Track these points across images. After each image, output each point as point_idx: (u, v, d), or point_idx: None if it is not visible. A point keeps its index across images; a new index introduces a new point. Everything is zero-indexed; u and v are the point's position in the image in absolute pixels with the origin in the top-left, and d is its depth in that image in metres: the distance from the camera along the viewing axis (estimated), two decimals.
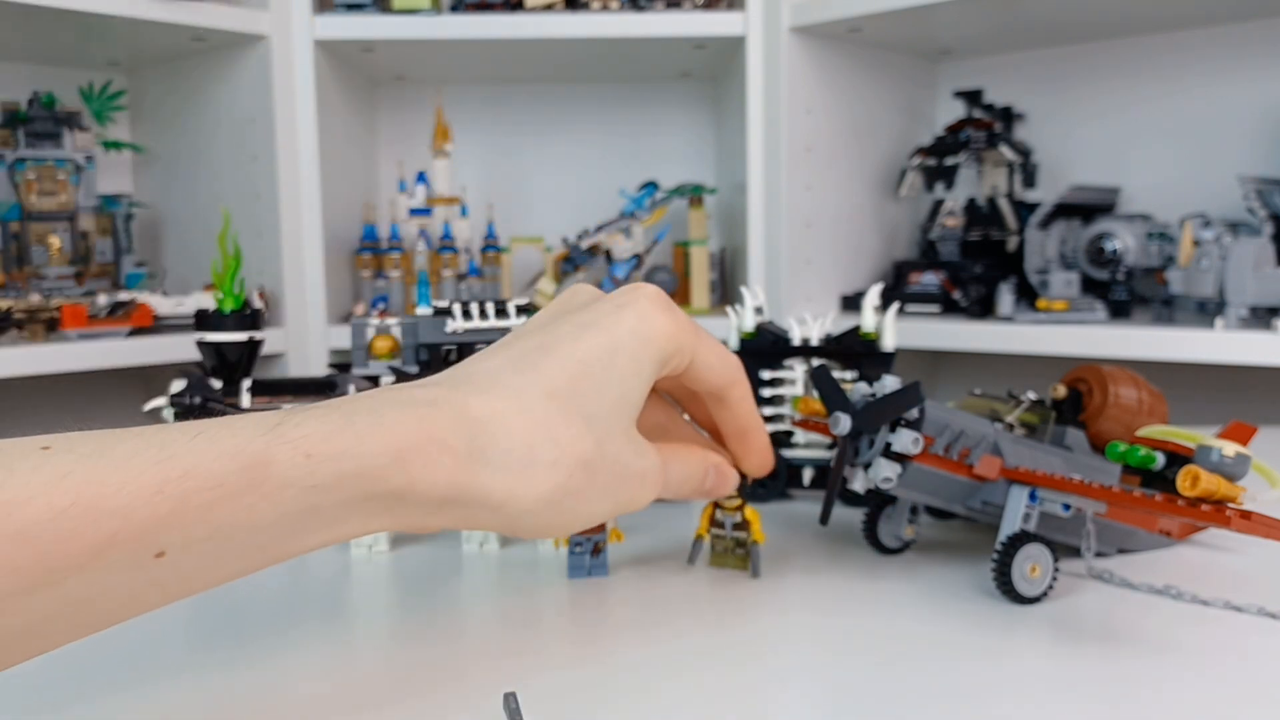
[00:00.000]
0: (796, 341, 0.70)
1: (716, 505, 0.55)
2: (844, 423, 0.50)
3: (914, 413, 0.50)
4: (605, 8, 1.48)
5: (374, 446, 0.33)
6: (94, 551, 0.28)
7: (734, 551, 0.55)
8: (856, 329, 0.69)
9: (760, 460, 0.47)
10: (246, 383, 0.67)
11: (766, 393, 0.71)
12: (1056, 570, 0.49)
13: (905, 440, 0.49)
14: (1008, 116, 1.61)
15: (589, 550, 0.54)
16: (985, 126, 1.54)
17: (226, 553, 0.31)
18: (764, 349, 0.71)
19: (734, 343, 0.72)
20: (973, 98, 1.59)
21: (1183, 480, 0.42)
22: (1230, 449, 0.48)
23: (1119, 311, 1.38)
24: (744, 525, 0.55)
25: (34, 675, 0.41)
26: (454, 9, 1.49)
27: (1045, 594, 0.49)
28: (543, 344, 0.39)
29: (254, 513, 0.31)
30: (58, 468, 0.29)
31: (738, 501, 0.55)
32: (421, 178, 1.56)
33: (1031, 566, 0.49)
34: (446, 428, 0.35)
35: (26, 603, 0.28)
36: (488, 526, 0.37)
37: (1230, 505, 0.42)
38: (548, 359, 0.38)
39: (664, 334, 0.40)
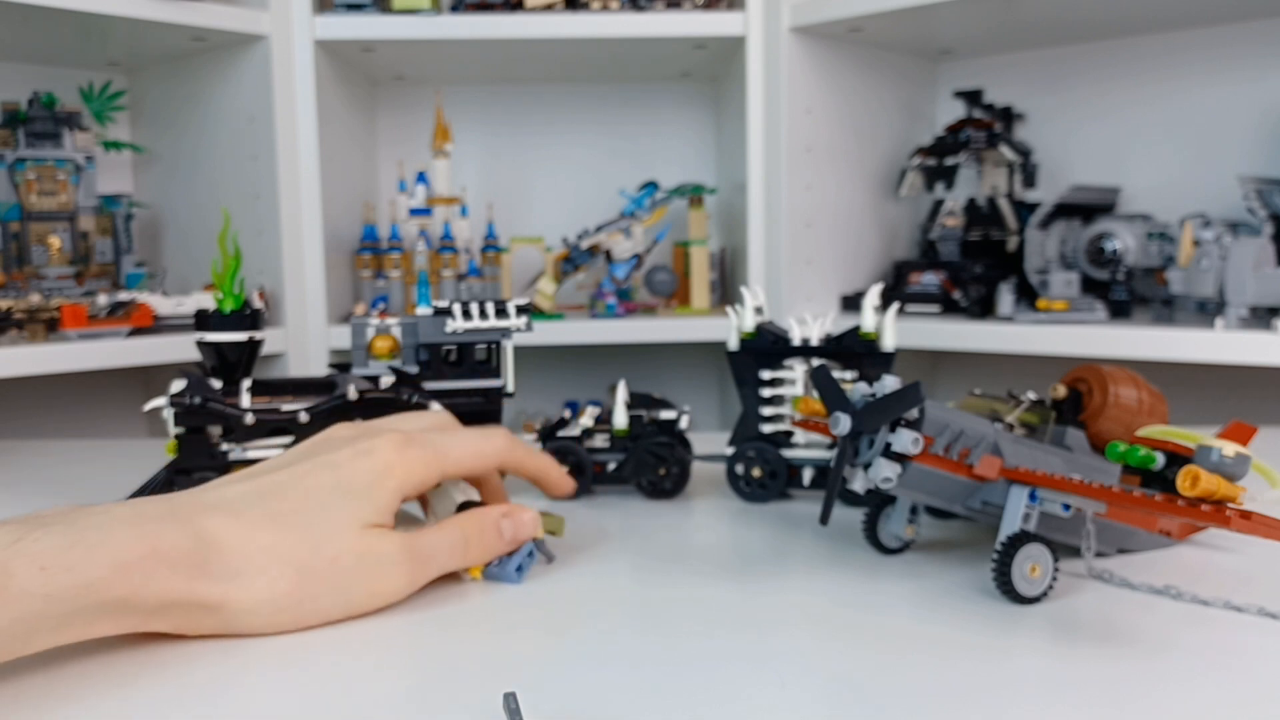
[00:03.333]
0: (796, 341, 0.70)
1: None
2: (844, 423, 0.50)
3: (914, 413, 0.50)
4: (605, 8, 1.48)
5: (99, 559, 0.39)
6: None
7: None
8: (856, 329, 0.69)
9: (562, 486, 0.60)
10: (246, 383, 0.67)
11: (766, 393, 0.71)
12: (1056, 570, 0.49)
13: (905, 440, 0.49)
14: (1008, 116, 1.61)
15: (515, 558, 0.54)
16: (985, 126, 1.54)
17: None
18: (764, 349, 0.71)
19: (734, 343, 0.72)
20: (973, 98, 1.59)
21: (1183, 480, 0.42)
22: (1230, 449, 0.48)
23: (1119, 311, 1.38)
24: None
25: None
26: (454, 9, 1.49)
27: (1045, 594, 0.49)
28: (280, 482, 0.47)
29: None
30: None
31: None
32: (421, 178, 1.56)
33: (1031, 566, 0.49)
34: (169, 542, 0.42)
35: None
36: (211, 628, 0.43)
37: (1230, 505, 0.42)
38: (280, 491, 0.47)
39: (399, 472, 0.49)
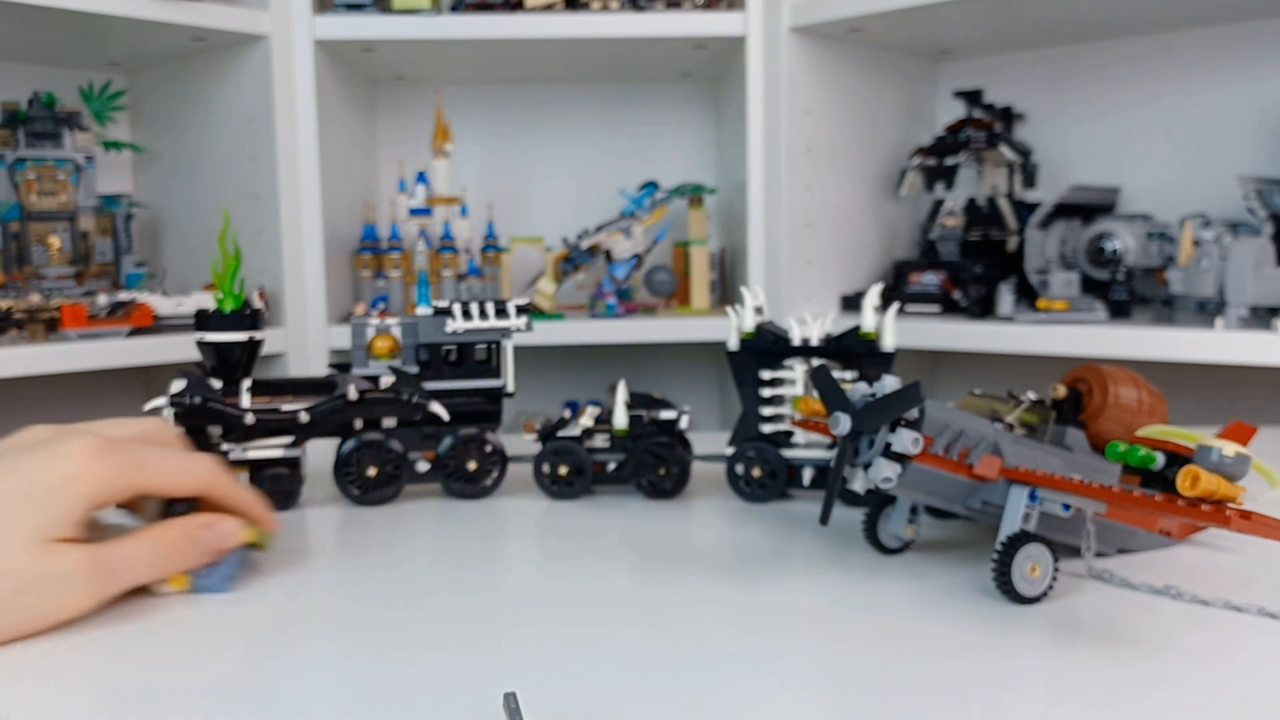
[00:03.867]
0: (796, 341, 0.70)
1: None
2: (844, 423, 0.50)
3: (914, 413, 0.50)
4: (605, 8, 1.48)
5: None
6: None
7: None
8: (856, 329, 0.69)
9: (266, 525, 0.55)
10: (246, 383, 0.67)
11: (766, 393, 0.71)
12: (1056, 570, 0.49)
13: (905, 440, 0.49)
14: (1008, 116, 1.61)
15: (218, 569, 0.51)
16: (985, 126, 1.54)
17: None
18: (764, 349, 0.71)
19: (734, 343, 0.72)
20: (973, 98, 1.59)
21: (1183, 480, 0.42)
22: (1230, 449, 0.48)
23: (1119, 311, 1.38)
24: None
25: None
26: (454, 9, 1.49)
27: (1045, 594, 0.49)
28: None
29: None
30: None
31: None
32: (421, 178, 1.56)
33: (1031, 566, 0.49)
34: None
35: None
36: None
37: (1230, 505, 0.42)
38: None
39: (90, 480, 0.46)
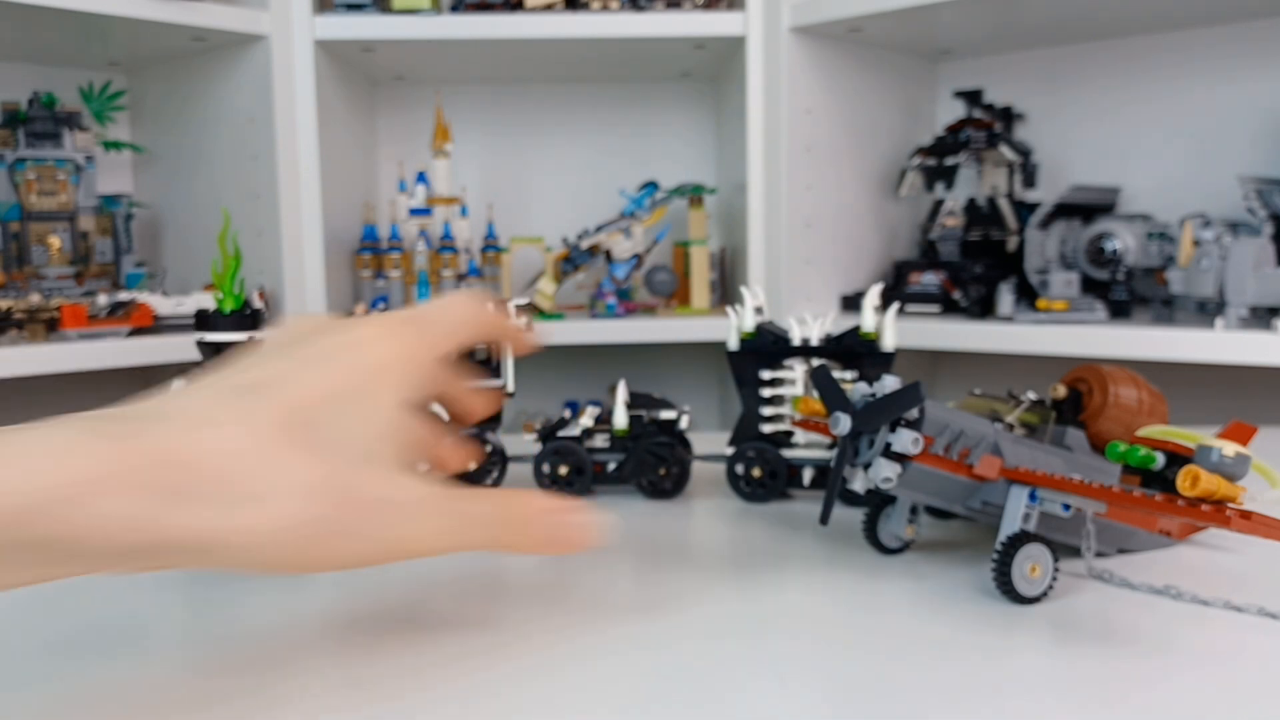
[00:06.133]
0: (796, 341, 0.70)
1: None
2: (844, 423, 0.50)
3: (914, 413, 0.50)
4: (605, 8, 1.48)
5: (37, 481, 0.28)
6: None
7: None
8: (856, 329, 0.69)
9: (531, 341, 0.50)
10: None
11: (766, 393, 0.71)
12: (1056, 570, 0.49)
13: (905, 440, 0.49)
14: (1008, 116, 1.61)
15: None
16: (985, 126, 1.54)
17: None
18: (764, 349, 0.71)
19: (734, 343, 0.72)
20: (973, 98, 1.59)
21: (1183, 480, 0.42)
22: (1230, 449, 0.48)
23: (1119, 311, 1.38)
24: None
25: None
26: (454, 9, 1.49)
27: (1045, 594, 0.49)
28: (260, 380, 0.35)
29: None
30: None
31: None
32: (421, 178, 1.56)
33: (1031, 566, 0.49)
34: (135, 465, 0.30)
35: None
36: (205, 566, 0.32)
37: (1230, 505, 0.42)
38: (268, 394, 0.34)
39: (404, 361, 0.38)
